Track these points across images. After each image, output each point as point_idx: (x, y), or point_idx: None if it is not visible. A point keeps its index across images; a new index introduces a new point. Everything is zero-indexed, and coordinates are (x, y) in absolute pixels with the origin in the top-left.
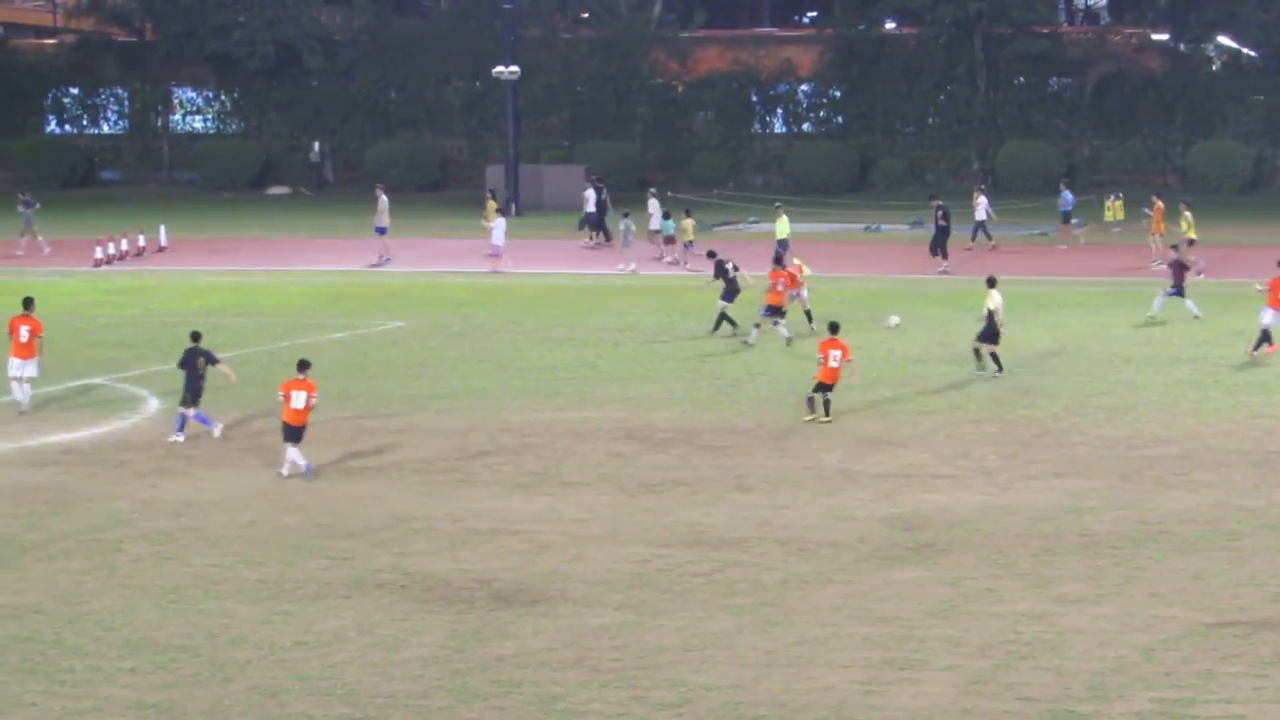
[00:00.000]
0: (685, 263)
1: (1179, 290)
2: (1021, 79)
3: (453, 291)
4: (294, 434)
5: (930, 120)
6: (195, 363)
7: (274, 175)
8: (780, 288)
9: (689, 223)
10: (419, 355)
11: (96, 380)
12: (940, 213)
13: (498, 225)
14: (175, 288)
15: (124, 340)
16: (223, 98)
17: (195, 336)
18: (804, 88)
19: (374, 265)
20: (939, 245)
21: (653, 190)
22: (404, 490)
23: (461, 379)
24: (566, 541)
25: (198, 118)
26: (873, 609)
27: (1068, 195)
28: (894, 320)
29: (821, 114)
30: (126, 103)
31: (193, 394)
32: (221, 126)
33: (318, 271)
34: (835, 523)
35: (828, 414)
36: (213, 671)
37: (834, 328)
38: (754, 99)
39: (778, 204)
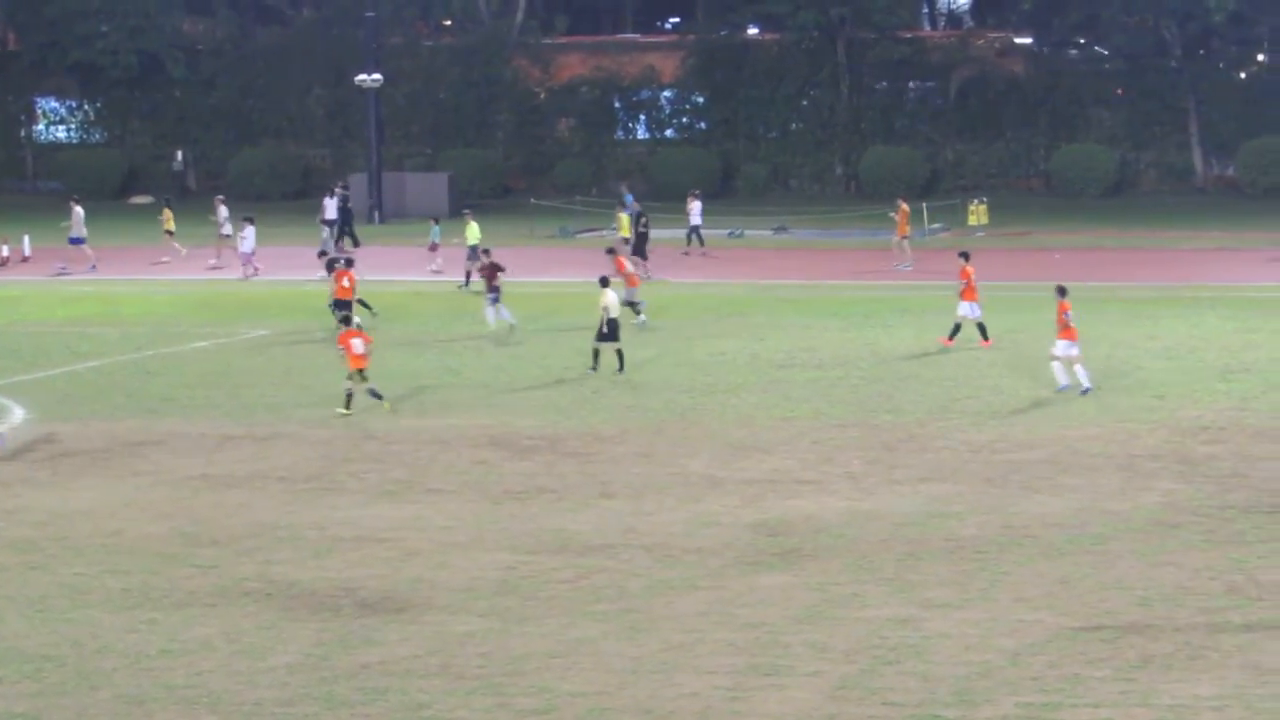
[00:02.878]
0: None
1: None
2: (884, 84)
3: (317, 299)
4: None
5: (794, 126)
6: None
7: (137, 185)
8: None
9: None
10: (283, 363)
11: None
12: (642, 219)
13: (247, 233)
14: (40, 297)
15: None
16: (86, 107)
17: None
18: (666, 94)
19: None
20: (640, 249)
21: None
22: (269, 499)
23: (326, 386)
24: (432, 549)
25: (61, 127)
26: (738, 615)
27: (629, 198)
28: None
29: (684, 120)
30: None
31: None
32: (85, 136)
33: (181, 280)
34: (700, 529)
35: (348, 407)
36: (79, 680)
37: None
38: (616, 105)
39: (466, 210)
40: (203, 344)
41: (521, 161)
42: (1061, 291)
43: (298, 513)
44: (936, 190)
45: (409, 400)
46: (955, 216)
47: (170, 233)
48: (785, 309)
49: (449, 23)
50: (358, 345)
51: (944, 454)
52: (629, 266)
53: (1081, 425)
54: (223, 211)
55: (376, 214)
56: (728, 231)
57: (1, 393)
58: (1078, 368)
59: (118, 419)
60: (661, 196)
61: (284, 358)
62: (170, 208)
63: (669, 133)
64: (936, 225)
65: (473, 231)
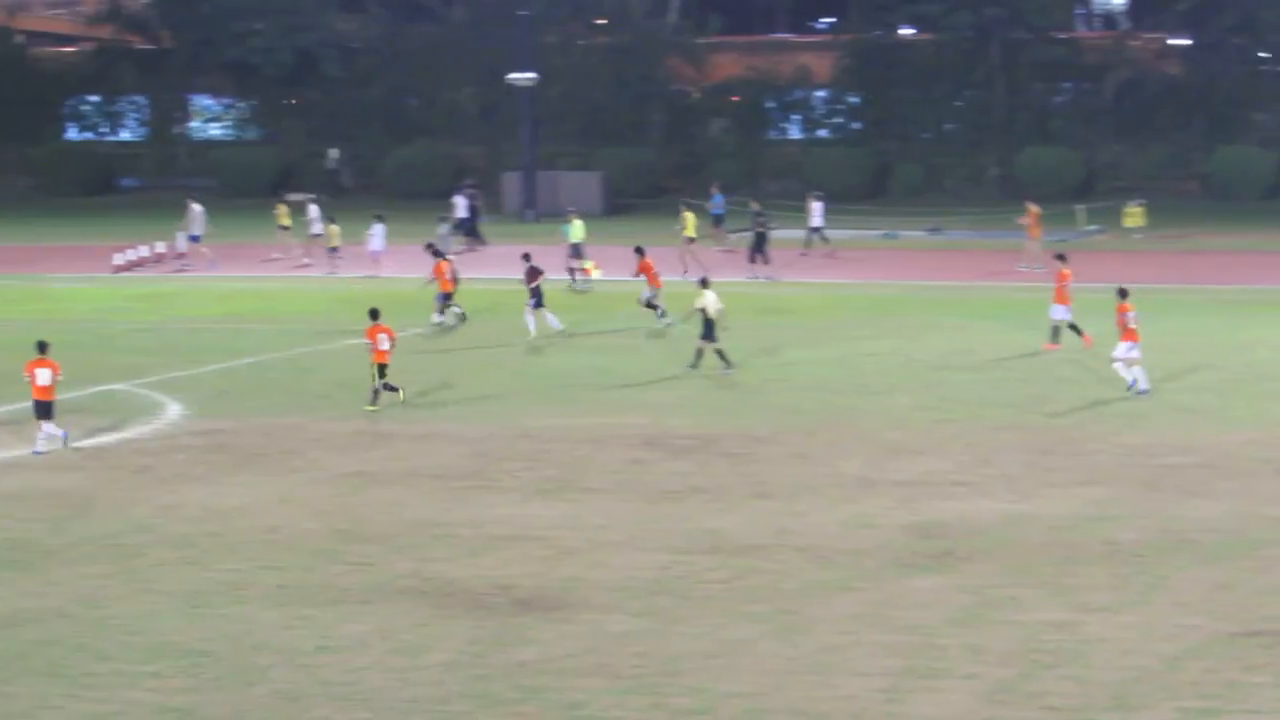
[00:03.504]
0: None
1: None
2: (1039, 85)
3: (468, 298)
4: (44, 410)
5: (947, 126)
6: None
7: (292, 182)
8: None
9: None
10: (436, 361)
11: (117, 386)
12: (760, 220)
13: (376, 231)
14: (195, 294)
15: (144, 346)
16: (240, 105)
17: None
18: (820, 94)
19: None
20: (759, 250)
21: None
22: (424, 496)
23: (478, 385)
24: (587, 548)
25: (215, 125)
26: (893, 617)
27: (718, 198)
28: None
29: (838, 120)
30: (145, 110)
31: None
32: (239, 134)
33: (336, 278)
34: (855, 530)
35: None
36: (235, 676)
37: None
38: (770, 105)
39: (570, 210)
40: (357, 341)
41: (675, 161)
42: (1122, 294)
43: (453, 510)
44: (1093, 192)
45: (562, 399)
46: (1112, 219)
47: (285, 228)
48: (940, 310)
49: (603, 22)
50: (383, 340)
51: (1099, 457)
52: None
53: (1238, 429)
54: (313, 210)
55: (530, 212)
56: (880, 233)
57: (158, 389)
58: (1136, 369)
59: (274, 415)
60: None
61: (437, 356)
62: (286, 204)
63: (822, 133)
64: (1093, 227)
65: (576, 230)
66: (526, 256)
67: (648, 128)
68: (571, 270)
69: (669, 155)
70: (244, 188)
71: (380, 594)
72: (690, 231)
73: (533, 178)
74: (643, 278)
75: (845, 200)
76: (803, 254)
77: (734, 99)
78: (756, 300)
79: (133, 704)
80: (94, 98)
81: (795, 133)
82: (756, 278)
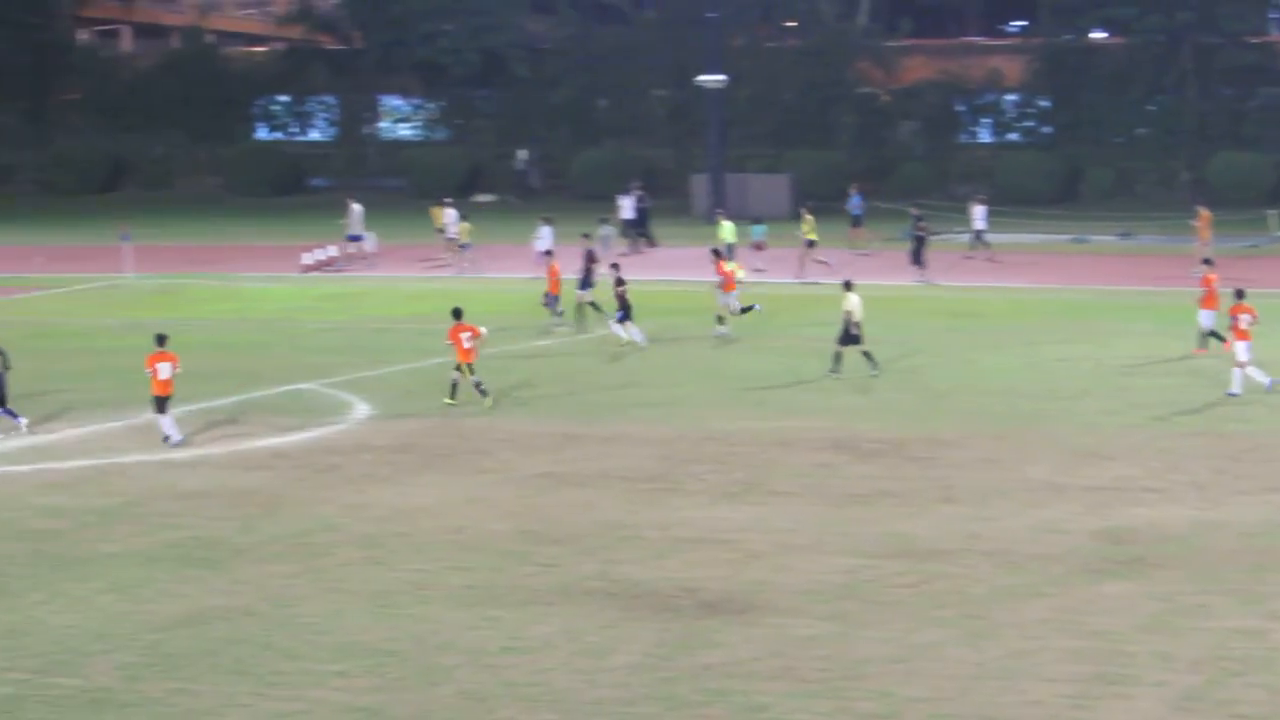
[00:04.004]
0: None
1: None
2: (1232, 89)
3: (656, 300)
4: (161, 404)
5: (1139, 131)
6: None
7: (480, 183)
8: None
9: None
10: (625, 364)
11: (305, 386)
12: (920, 223)
13: (544, 234)
14: (383, 294)
15: (332, 346)
16: (429, 105)
17: None
18: (1010, 97)
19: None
20: (918, 255)
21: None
22: (611, 498)
23: (667, 388)
24: (773, 551)
25: (404, 125)
26: (1081, 623)
27: (856, 199)
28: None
29: (1028, 124)
30: (335, 110)
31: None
32: (428, 134)
33: (524, 279)
34: (1043, 535)
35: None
36: (420, 676)
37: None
38: (960, 108)
39: (718, 210)
40: (545, 343)
41: (864, 164)
42: (1239, 295)
43: (640, 513)
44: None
45: (749, 401)
46: None
47: (441, 231)
48: (1130, 315)
49: (792, 24)
50: (465, 340)
51: None
52: (728, 269)
53: None
54: (450, 214)
55: (718, 214)
56: (1070, 237)
57: (346, 388)
58: (1237, 371)
59: (461, 416)
60: (1006, 201)
61: (626, 358)
62: (444, 205)
63: (1013, 137)
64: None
65: (726, 231)
66: (615, 266)
67: (837, 130)
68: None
69: (858, 158)
70: (432, 188)
71: (567, 595)
72: (811, 234)
73: (721, 180)
74: (722, 280)
75: (1035, 205)
76: (967, 258)
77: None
78: (943, 304)
79: (319, 703)
80: (284, 98)
81: (985, 136)
82: (927, 281)
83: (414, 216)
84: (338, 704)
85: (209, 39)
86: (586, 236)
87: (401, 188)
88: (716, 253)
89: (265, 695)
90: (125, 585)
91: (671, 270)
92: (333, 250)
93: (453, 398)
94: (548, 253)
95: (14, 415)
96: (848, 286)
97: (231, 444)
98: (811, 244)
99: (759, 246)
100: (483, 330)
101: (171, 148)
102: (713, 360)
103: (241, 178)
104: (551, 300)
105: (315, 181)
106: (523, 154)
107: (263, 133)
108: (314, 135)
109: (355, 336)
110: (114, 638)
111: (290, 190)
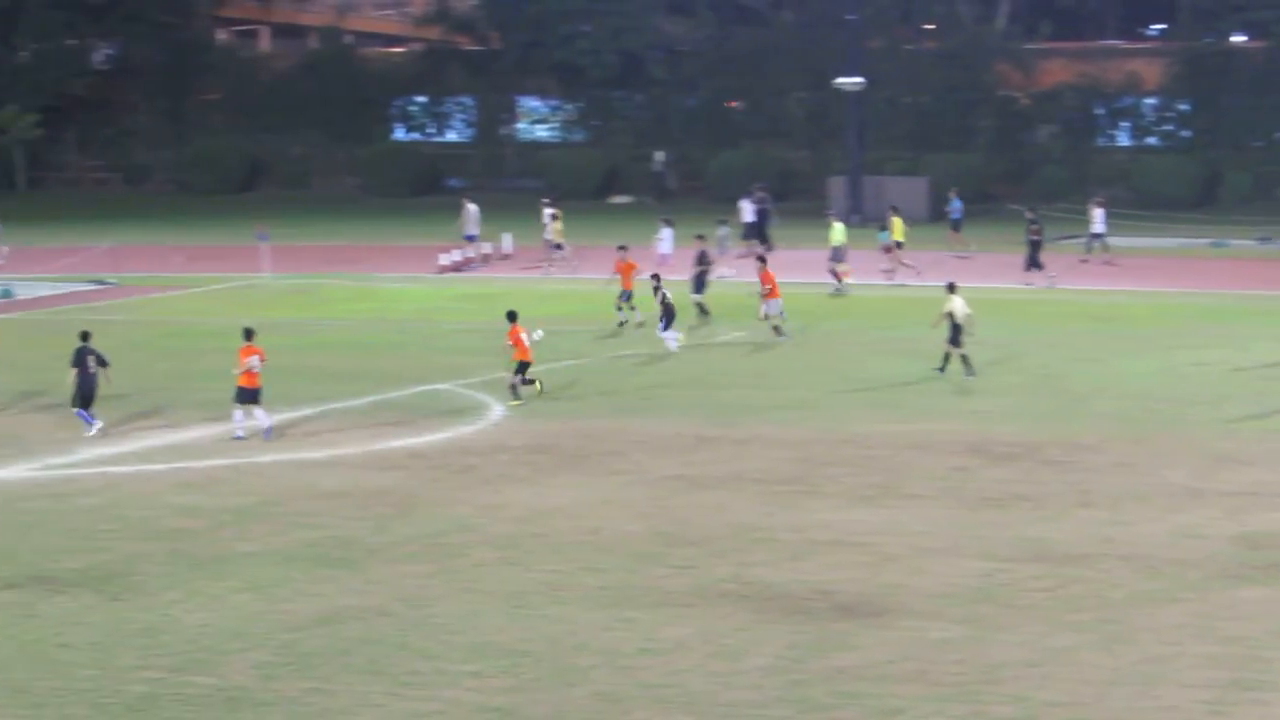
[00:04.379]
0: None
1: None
2: None
3: (794, 302)
4: (249, 396)
5: (1279, 135)
6: (86, 362)
7: (617, 184)
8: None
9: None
10: (760, 365)
11: (441, 386)
12: (1034, 227)
13: (665, 235)
14: (519, 295)
15: (468, 346)
16: (566, 106)
17: (84, 336)
18: (1149, 101)
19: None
20: (1034, 258)
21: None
22: (746, 500)
23: (803, 390)
24: (908, 554)
25: (542, 126)
26: (1219, 628)
27: (957, 203)
28: (537, 334)
29: (1167, 128)
30: (472, 111)
31: (83, 394)
32: (565, 135)
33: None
34: (1181, 540)
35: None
36: (555, 677)
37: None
38: (1099, 112)
39: (829, 212)
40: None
41: (1002, 167)
42: None
43: (774, 515)
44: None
45: (885, 403)
46: None
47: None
48: (1269, 320)
49: (931, 27)
50: (525, 338)
51: None
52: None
53: None
54: (547, 214)
55: (855, 217)
56: (1209, 241)
57: (482, 389)
58: None
59: (596, 417)
60: (1145, 205)
61: (761, 360)
62: (557, 207)
63: (1151, 140)
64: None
65: (836, 233)
66: (655, 277)
67: (974, 133)
68: (833, 273)
69: (996, 161)
70: (570, 189)
71: (701, 597)
72: (898, 236)
73: (858, 182)
74: (767, 288)
75: (1173, 209)
76: (1083, 260)
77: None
78: (1081, 308)
79: (453, 703)
80: (421, 98)
81: (1124, 140)
82: (1053, 284)
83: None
84: (472, 704)
85: (347, 39)
86: (700, 238)
87: (538, 189)
88: (762, 259)
89: (400, 695)
90: (261, 584)
91: (790, 273)
92: (470, 251)
93: (518, 398)
94: (621, 248)
95: (90, 419)
96: (951, 289)
97: (367, 444)
98: (899, 245)
99: (887, 249)
100: (537, 333)
101: (309, 148)
102: (848, 363)
103: (379, 178)
104: (626, 296)
105: (452, 182)
106: (659, 155)
107: (400, 133)
108: (451, 136)
109: (491, 337)
110: (249, 636)
111: (427, 191)
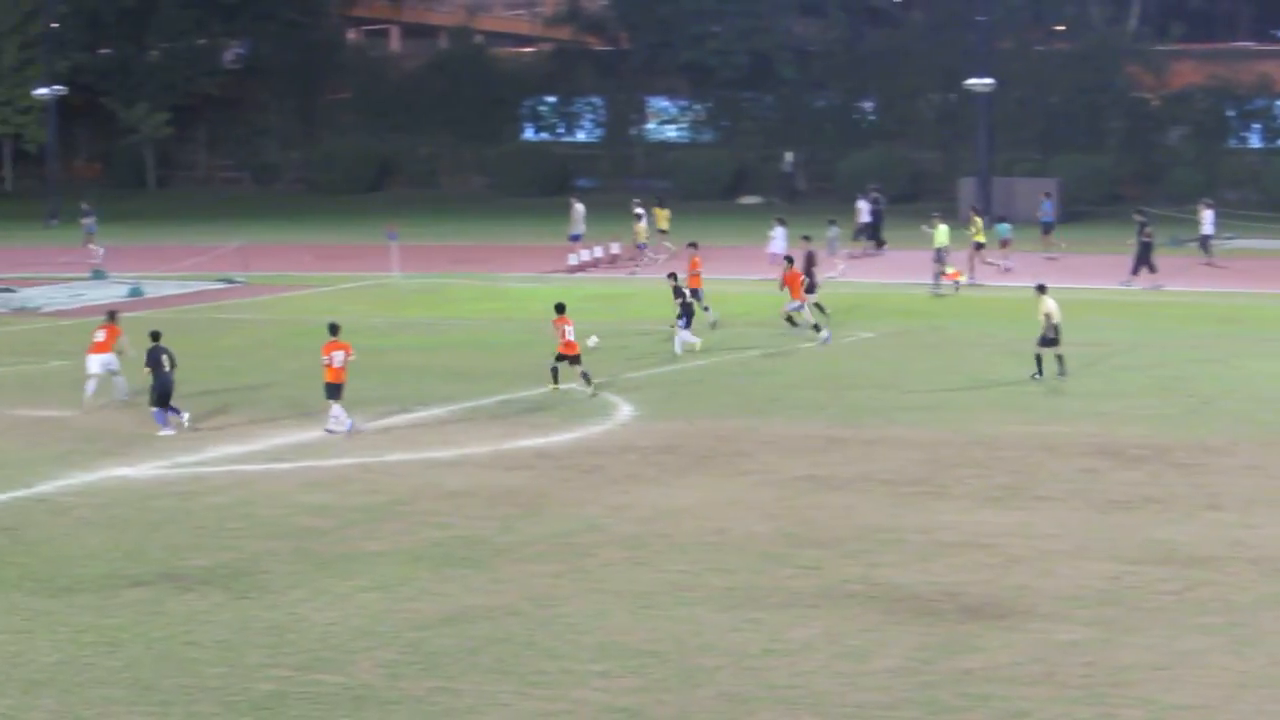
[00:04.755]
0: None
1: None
2: None
3: (922, 304)
4: (335, 391)
5: None
6: (160, 361)
7: (746, 185)
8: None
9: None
10: (889, 366)
11: (570, 386)
12: (1145, 230)
13: (777, 234)
14: (647, 295)
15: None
16: (696, 107)
17: (155, 336)
18: None
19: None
20: (1144, 260)
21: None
22: (873, 501)
23: (932, 391)
24: (1036, 556)
25: (671, 126)
26: None
27: (1047, 205)
28: (592, 341)
29: None
30: (602, 111)
31: (158, 392)
32: (695, 136)
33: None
34: None
35: (589, 384)
36: (681, 677)
37: None
38: (1230, 114)
39: (935, 214)
40: (809, 345)
41: (1132, 169)
42: None
43: (902, 516)
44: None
45: (1014, 405)
46: None
47: (664, 231)
48: None
49: (1061, 28)
50: (568, 332)
51: None
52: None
53: None
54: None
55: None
56: None
57: (610, 389)
58: None
59: (724, 417)
60: (1277, 207)
61: (890, 360)
62: (663, 206)
63: None
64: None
65: (941, 234)
66: (673, 276)
67: (1105, 135)
68: (938, 275)
69: (1126, 163)
70: (698, 190)
71: (828, 598)
72: (979, 236)
73: (987, 184)
74: (786, 289)
75: None
76: (1206, 263)
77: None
78: (1204, 310)
79: (580, 703)
80: (551, 98)
81: (1255, 142)
82: (1158, 286)
83: (680, 218)
84: (599, 704)
85: (477, 39)
86: (807, 239)
87: (667, 189)
88: (789, 259)
89: (526, 695)
90: (388, 583)
91: (903, 273)
92: (599, 251)
93: (556, 382)
94: (692, 244)
95: (167, 414)
96: (1041, 290)
97: (495, 443)
98: (979, 246)
99: (1005, 244)
100: (592, 340)
101: (438, 147)
102: (977, 364)
103: (508, 178)
104: (696, 295)
105: (581, 182)
106: (789, 156)
107: (530, 133)
108: (581, 136)
109: (618, 338)
110: (376, 635)
111: (557, 191)
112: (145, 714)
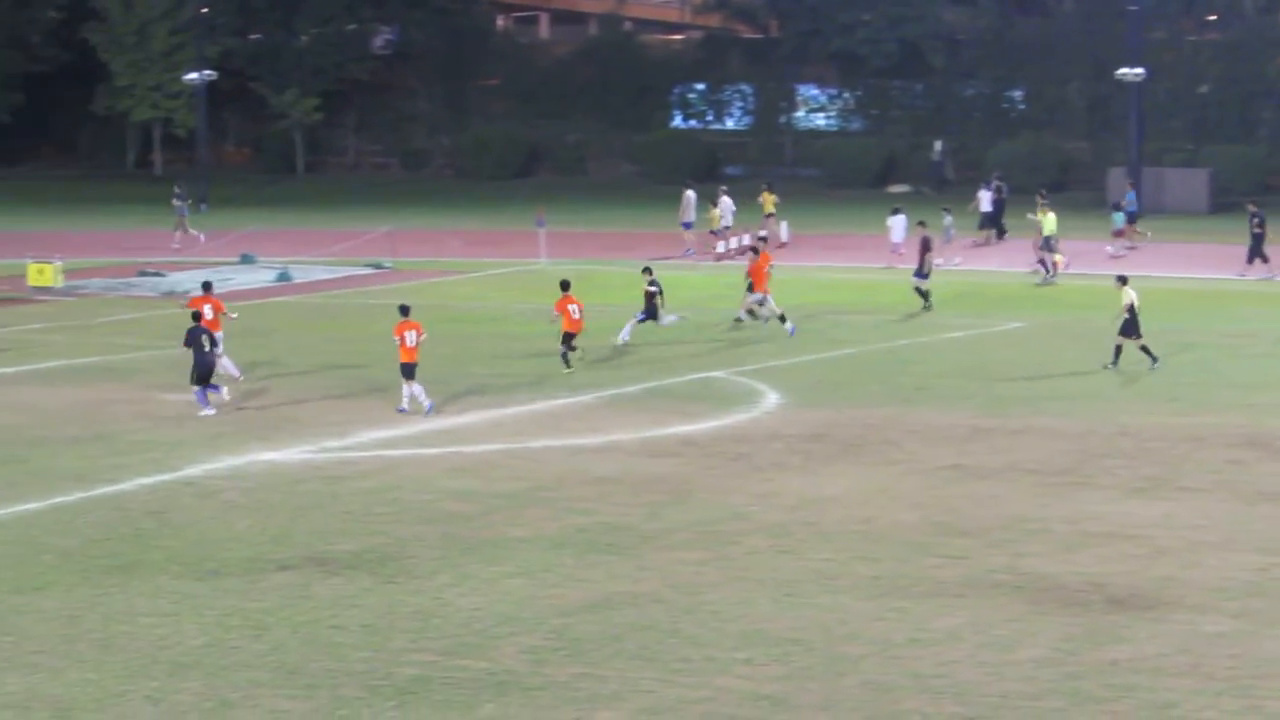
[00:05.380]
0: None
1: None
2: None
3: (1071, 294)
4: (409, 371)
5: None
6: (199, 341)
7: (895, 173)
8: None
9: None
10: (1037, 356)
11: (716, 374)
12: (1255, 220)
13: (895, 223)
14: (792, 284)
15: (740, 334)
16: (845, 95)
17: (196, 318)
18: None
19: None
20: (1257, 250)
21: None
22: (1020, 491)
23: (1079, 381)
24: (1182, 547)
25: (820, 115)
26: None
27: (1131, 195)
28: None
29: None
30: (750, 99)
31: (199, 372)
32: (843, 124)
33: (940, 271)
34: None
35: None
36: (826, 666)
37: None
38: None
39: (1043, 199)
40: (956, 335)
41: None
42: None
43: (1049, 506)
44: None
45: (1163, 396)
46: None
47: (770, 215)
48: None
49: (1213, 17)
50: (573, 311)
51: None
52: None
53: None
54: (725, 201)
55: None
56: None
57: (756, 377)
58: None
59: (871, 407)
60: None
61: (1038, 351)
62: (772, 191)
63: None
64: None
65: (1049, 223)
66: (648, 269)
67: (1256, 125)
68: (1042, 262)
69: (1278, 153)
70: (847, 178)
71: (974, 588)
72: (1050, 229)
73: (1138, 174)
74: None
75: None
76: None
77: None
78: None
79: (724, 690)
80: (700, 86)
81: None
82: (1273, 276)
83: (829, 206)
84: (743, 692)
85: (626, 26)
86: (922, 224)
87: (816, 177)
88: (754, 250)
89: (670, 681)
90: (532, 569)
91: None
92: (746, 239)
93: (569, 366)
94: (761, 238)
95: (207, 393)
96: (1123, 281)
97: (641, 430)
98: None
99: (1118, 234)
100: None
101: (587, 134)
102: (1124, 355)
103: (657, 165)
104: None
105: (730, 170)
106: (938, 145)
107: (679, 120)
108: (729, 124)
109: (765, 326)
110: (520, 621)
111: (705, 178)
112: (290, 697)
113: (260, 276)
